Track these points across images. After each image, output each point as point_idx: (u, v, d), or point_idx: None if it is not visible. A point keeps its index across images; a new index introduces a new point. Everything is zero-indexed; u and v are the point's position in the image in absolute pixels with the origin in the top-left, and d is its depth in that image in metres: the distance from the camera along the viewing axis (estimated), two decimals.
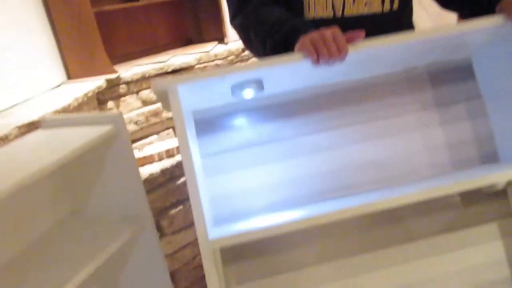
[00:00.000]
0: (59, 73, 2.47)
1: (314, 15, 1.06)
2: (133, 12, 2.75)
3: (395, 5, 1.06)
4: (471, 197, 1.17)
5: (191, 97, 1.01)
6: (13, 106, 2.12)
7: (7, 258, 1.02)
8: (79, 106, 2.17)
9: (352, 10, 1.04)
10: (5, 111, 2.04)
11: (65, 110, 1.98)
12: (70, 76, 2.51)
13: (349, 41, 0.88)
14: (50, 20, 2.42)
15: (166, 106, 1.00)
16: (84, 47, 2.45)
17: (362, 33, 0.88)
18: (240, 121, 1.15)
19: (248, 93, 1.01)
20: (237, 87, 0.98)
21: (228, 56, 2.81)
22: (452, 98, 1.18)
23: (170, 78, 0.90)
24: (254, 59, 1.51)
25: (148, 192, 1.65)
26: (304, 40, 0.88)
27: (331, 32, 0.87)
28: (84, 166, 1.09)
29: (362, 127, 1.16)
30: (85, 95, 2.17)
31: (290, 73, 1.02)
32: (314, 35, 0.88)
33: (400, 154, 1.17)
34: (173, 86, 0.90)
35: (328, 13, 1.05)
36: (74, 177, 1.12)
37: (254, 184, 1.14)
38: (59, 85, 2.44)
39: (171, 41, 3.04)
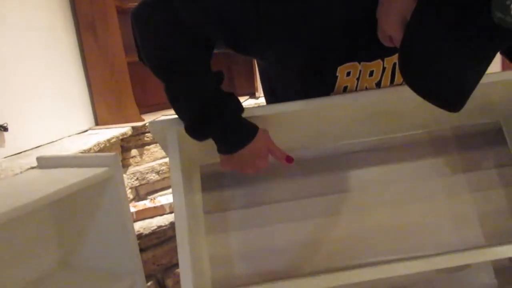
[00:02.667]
0: (87, 118, 2.50)
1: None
2: None
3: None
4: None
5: (195, 146, 0.94)
6: (36, 147, 2.14)
7: None
8: (101, 152, 2.16)
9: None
10: (27, 152, 2.05)
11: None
12: (98, 122, 2.53)
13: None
14: (85, 67, 2.49)
15: (166, 151, 0.93)
16: (115, 95, 2.48)
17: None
18: (249, 178, 1.07)
19: None
20: None
21: None
22: (482, 164, 1.06)
23: (170, 119, 0.82)
24: None
25: (155, 246, 1.56)
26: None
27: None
28: (76, 209, 1.03)
29: (378, 191, 1.04)
30: (108, 140, 2.16)
31: (298, 125, 0.94)
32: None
33: (423, 223, 1.04)
34: (172, 129, 0.83)
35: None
36: (65, 221, 1.06)
37: (259, 246, 1.03)
38: (86, 130, 2.46)
39: None
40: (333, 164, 1.07)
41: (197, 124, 0.78)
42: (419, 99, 0.86)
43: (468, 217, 1.05)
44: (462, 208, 1.05)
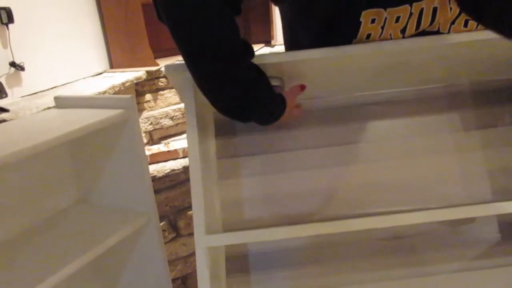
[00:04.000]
0: (102, 61, 2.50)
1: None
2: None
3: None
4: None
5: None
6: (53, 88, 2.16)
7: (5, 236, 0.99)
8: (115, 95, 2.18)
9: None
10: (44, 92, 2.08)
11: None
12: (112, 65, 2.53)
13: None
14: (99, 9, 2.46)
15: (182, 96, 0.94)
16: (129, 38, 2.47)
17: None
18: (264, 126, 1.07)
19: None
20: None
21: None
22: (497, 121, 1.05)
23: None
24: None
25: (168, 188, 1.61)
26: None
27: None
28: (92, 149, 1.05)
29: (392, 143, 1.05)
30: (123, 84, 2.18)
31: (316, 75, 0.94)
32: None
33: (433, 177, 1.05)
34: (188, 73, 0.83)
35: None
36: (82, 161, 1.09)
37: (270, 192, 1.06)
38: (100, 73, 2.47)
39: None
40: (347, 115, 1.07)
41: (236, 109, 0.79)
42: (442, 50, 0.84)
43: (477, 173, 1.05)
44: (473, 164, 1.05)
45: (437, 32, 0.83)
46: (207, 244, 0.80)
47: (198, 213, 0.82)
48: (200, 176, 0.83)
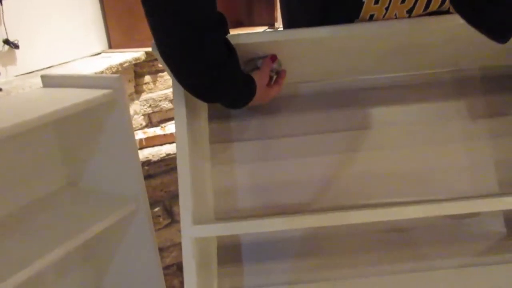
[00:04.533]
0: (100, 40, 2.44)
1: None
2: None
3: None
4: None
5: None
6: (49, 67, 2.11)
7: None
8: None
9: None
10: (40, 71, 2.02)
11: None
12: (111, 45, 2.47)
13: None
14: None
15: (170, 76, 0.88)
16: (128, 17, 2.40)
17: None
18: (259, 109, 1.02)
19: None
20: (251, 64, 0.86)
21: None
22: (507, 109, 0.99)
23: None
24: None
25: (163, 173, 1.56)
26: None
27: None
28: (80, 131, 1.01)
29: (395, 130, 0.99)
30: (121, 64, 2.12)
31: (315, 57, 0.88)
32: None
33: (438, 167, 1.00)
34: None
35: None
36: (70, 142, 1.05)
37: (265, 180, 1.01)
38: (99, 53, 2.41)
39: None
40: (347, 100, 1.01)
41: (199, 86, 0.71)
42: (450, 33, 0.78)
43: (484, 164, 1.00)
44: (480, 155, 1.00)
45: (447, 12, 0.77)
46: (194, 235, 0.76)
47: (185, 202, 0.78)
48: (188, 161, 0.78)
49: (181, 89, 0.77)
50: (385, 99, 1.01)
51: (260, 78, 0.80)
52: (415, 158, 0.99)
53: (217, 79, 0.69)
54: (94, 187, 1.06)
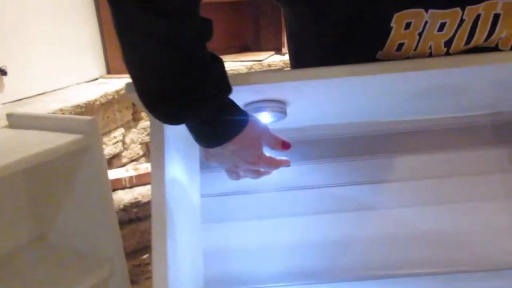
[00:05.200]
0: (98, 66, 2.32)
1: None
2: None
3: None
4: None
5: None
6: (41, 94, 1.98)
7: None
8: (109, 104, 1.99)
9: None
10: (29, 99, 1.89)
11: (89, 106, 1.81)
12: (110, 70, 2.35)
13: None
14: (98, 12, 2.28)
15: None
16: None
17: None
18: None
19: (265, 118, 0.73)
20: (252, 108, 0.71)
21: (282, 68, 2.54)
22: None
23: None
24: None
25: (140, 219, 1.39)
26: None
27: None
28: (50, 180, 0.86)
29: (420, 184, 0.83)
30: (117, 92, 1.99)
31: (328, 98, 0.72)
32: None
33: (472, 230, 0.83)
34: None
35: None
36: (38, 193, 0.89)
37: (264, 241, 0.85)
38: (96, 79, 2.29)
39: (226, 46, 2.83)
40: (366, 147, 0.85)
41: (166, 99, 0.53)
42: (501, 74, 0.63)
43: None
44: None
45: (494, 49, 0.61)
46: None
47: (159, 272, 0.61)
48: (166, 221, 0.62)
49: (161, 141, 0.62)
50: (410, 146, 0.86)
51: (258, 127, 0.64)
52: (447, 218, 0.83)
53: (192, 83, 0.52)
54: (66, 243, 0.90)
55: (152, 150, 0.62)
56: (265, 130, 0.65)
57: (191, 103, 0.53)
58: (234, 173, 0.68)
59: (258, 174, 0.69)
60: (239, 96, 0.68)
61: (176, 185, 0.73)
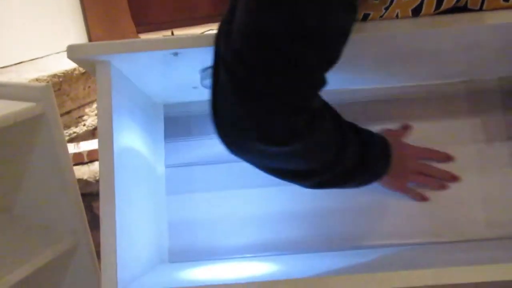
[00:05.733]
0: (79, 34, 2.25)
1: None
2: None
3: None
4: None
5: (147, 78, 0.71)
6: (18, 63, 1.92)
7: None
8: (87, 74, 1.93)
9: None
10: (5, 68, 1.84)
11: (67, 75, 1.76)
12: (91, 39, 2.28)
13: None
14: None
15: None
16: (109, 8, 2.21)
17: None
18: None
19: None
20: (209, 74, 0.67)
21: None
22: None
23: (98, 44, 0.58)
24: None
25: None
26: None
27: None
28: (5, 150, 0.82)
29: None
30: None
31: None
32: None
33: (445, 202, 0.81)
34: (103, 59, 0.60)
35: None
36: None
37: (230, 212, 0.82)
38: None
39: (212, 13, 2.74)
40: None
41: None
42: (471, 35, 0.59)
43: (504, 199, 0.80)
44: (498, 188, 0.80)
45: (464, 9, 0.58)
46: None
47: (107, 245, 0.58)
48: (114, 192, 0.59)
49: (109, 108, 0.59)
50: (382, 115, 0.82)
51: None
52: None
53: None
54: (28, 215, 0.88)
55: (99, 119, 0.58)
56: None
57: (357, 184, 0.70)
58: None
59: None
60: (197, 60, 0.64)
61: (134, 155, 0.70)
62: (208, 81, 0.68)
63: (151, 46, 0.58)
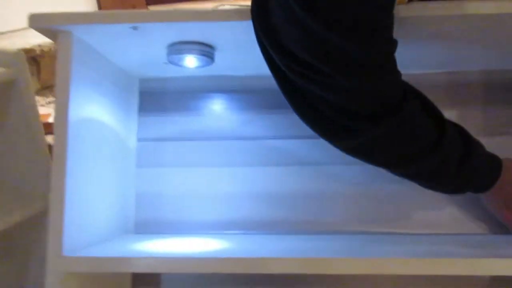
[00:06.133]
0: (88, 3, 2.25)
1: None
2: None
3: None
4: None
5: (118, 52, 0.71)
6: (23, 29, 1.94)
7: None
8: None
9: None
10: (10, 33, 1.86)
11: None
12: (101, 6, 2.28)
13: None
14: None
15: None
16: None
17: None
18: (200, 103, 0.84)
19: (190, 62, 0.69)
20: (175, 50, 0.67)
21: None
22: (509, 127, 0.78)
23: (60, 13, 0.58)
24: None
25: None
26: None
27: None
28: None
29: None
30: None
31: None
32: None
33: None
34: (65, 29, 0.60)
35: None
36: None
37: (199, 189, 0.82)
38: None
39: None
40: None
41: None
42: (454, 23, 0.58)
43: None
44: None
45: None
46: (63, 269, 0.59)
47: (56, 216, 0.59)
48: (65, 161, 0.59)
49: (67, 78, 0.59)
50: None
51: None
52: (383, 178, 0.79)
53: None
54: (3, 177, 0.89)
55: (56, 90, 0.59)
56: None
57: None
58: None
59: None
60: (161, 35, 0.64)
61: (97, 127, 0.70)
62: (175, 57, 0.68)
63: (110, 19, 0.58)
